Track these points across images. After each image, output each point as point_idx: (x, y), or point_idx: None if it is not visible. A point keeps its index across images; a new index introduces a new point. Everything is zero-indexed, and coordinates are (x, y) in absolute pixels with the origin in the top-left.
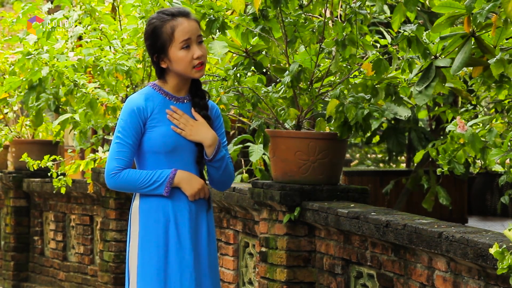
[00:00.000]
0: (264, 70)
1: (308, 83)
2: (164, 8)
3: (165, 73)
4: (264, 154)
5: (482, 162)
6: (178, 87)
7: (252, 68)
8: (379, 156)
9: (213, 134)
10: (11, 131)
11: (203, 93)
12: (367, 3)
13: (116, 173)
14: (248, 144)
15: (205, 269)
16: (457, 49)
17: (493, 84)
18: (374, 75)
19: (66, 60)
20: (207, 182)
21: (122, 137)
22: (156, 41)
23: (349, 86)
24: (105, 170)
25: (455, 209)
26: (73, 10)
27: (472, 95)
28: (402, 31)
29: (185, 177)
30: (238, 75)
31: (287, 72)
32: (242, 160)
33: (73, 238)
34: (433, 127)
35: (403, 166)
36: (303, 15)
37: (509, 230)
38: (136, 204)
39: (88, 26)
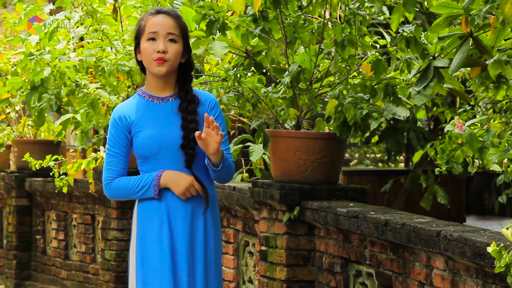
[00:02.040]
0: (264, 71)
1: (308, 83)
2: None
3: (146, 72)
4: (264, 153)
5: (480, 162)
6: (159, 86)
7: (252, 68)
8: (378, 155)
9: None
10: (13, 131)
11: (192, 97)
12: (366, 4)
13: (108, 183)
14: (248, 144)
15: (201, 269)
16: (455, 49)
17: (491, 84)
18: (373, 75)
19: (68, 60)
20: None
21: (110, 147)
22: (135, 34)
23: (348, 86)
24: None
25: (453, 208)
26: (75, 11)
27: (470, 96)
28: (401, 32)
29: (171, 177)
30: (238, 75)
31: (287, 72)
32: (242, 160)
33: (74, 237)
34: (432, 127)
35: (401, 165)
36: (302, 16)
37: (507, 229)
38: (135, 206)
39: (89, 27)
